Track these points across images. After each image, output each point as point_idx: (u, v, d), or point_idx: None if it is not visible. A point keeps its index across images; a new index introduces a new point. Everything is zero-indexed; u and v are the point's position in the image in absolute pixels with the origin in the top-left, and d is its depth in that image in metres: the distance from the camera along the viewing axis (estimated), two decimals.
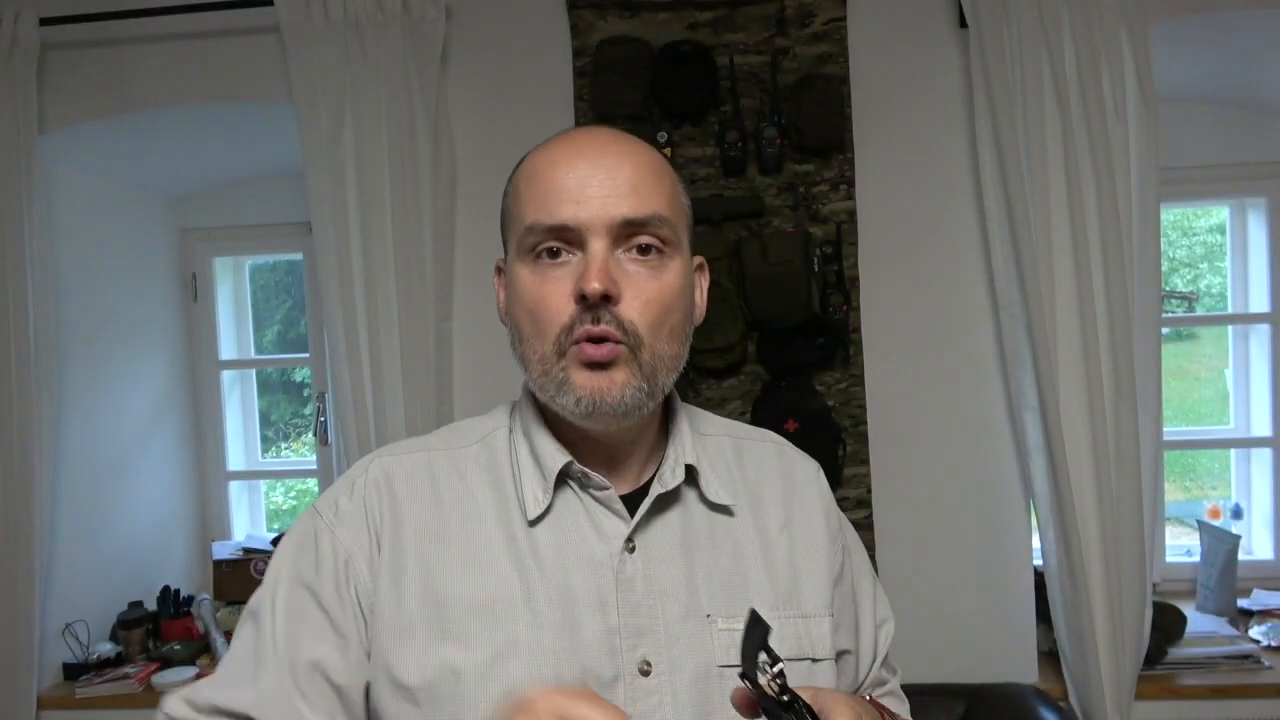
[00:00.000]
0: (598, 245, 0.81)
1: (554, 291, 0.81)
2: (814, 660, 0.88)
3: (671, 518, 0.88)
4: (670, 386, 0.87)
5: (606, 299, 0.79)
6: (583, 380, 0.81)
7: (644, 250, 0.82)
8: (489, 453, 0.91)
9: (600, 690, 0.80)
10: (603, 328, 0.80)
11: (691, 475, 0.89)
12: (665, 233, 0.83)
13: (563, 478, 0.87)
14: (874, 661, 1.00)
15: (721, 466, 0.93)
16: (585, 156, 0.83)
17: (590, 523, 0.86)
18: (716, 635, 0.84)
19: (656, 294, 0.82)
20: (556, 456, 0.86)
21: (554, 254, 0.82)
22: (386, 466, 0.89)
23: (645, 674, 0.82)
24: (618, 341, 0.80)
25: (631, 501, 0.87)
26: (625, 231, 0.81)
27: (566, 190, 0.81)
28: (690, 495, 0.90)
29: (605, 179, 0.82)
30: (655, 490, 0.87)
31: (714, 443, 0.95)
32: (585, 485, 0.86)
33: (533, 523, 0.85)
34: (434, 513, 0.86)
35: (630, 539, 0.85)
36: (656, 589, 0.84)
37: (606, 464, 0.88)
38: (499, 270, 0.91)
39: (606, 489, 0.86)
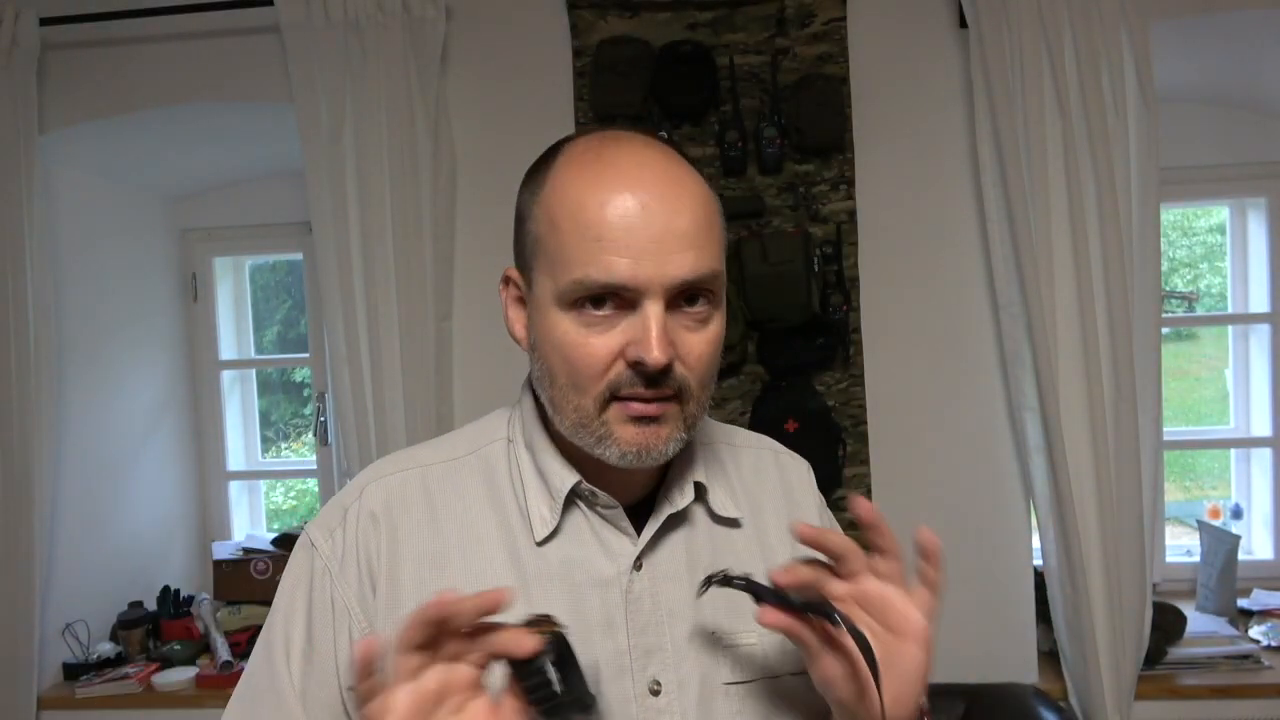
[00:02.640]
0: (654, 309, 0.75)
1: (600, 347, 0.76)
2: (803, 674, 0.86)
3: (677, 534, 0.86)
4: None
5: (666, 367, 0.75)
6: (630, 435, 0.78)
7: (691, 300, 0.78)
8: (486, 466, 0.87)
9: (611, 712, 0.79)
10: (657, 390, 0.77)
11: (698, 491, 0.87)
12: (716, 286, 0.79)
13: (572, 495, 0.84)
14: None
15: (727, 476, 0.92)
16: (639, 197, 0.75)
17: (598, 541, 0.84)
18: (723, 652, 0.84)
19: (706, 347, 0.79)
20: (565, 476, 0.83)
21: (601, 306, 0.76)
22: (381, 492, 0.86)
23: (655, 694, 0.81)
24: (670, 399, 0.78)
25: (637, 513, 0.85)
26: (680, 291, 0.76)
27: (619, 242, 0.74)
28: (697, 510, 0.88)
29: (662, 228, 0.75)
30: (665, 510, 0.85)
31: (715, 452, 0.94)
32: (593, 503, 0.84)
33: (540, 543, 0.83)
34: (431, 538, 0.83)
35: (638, 557, 0.84)
36: (664, 607, 0.83)
37: (617, 480, 0.84)
38: (506, 280, 0.86)
39: (614, 507, 0.84)
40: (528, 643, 0.66)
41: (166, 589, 2.64)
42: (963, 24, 2.09)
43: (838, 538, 0.76)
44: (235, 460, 2.97)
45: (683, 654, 0.82)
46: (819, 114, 2.12)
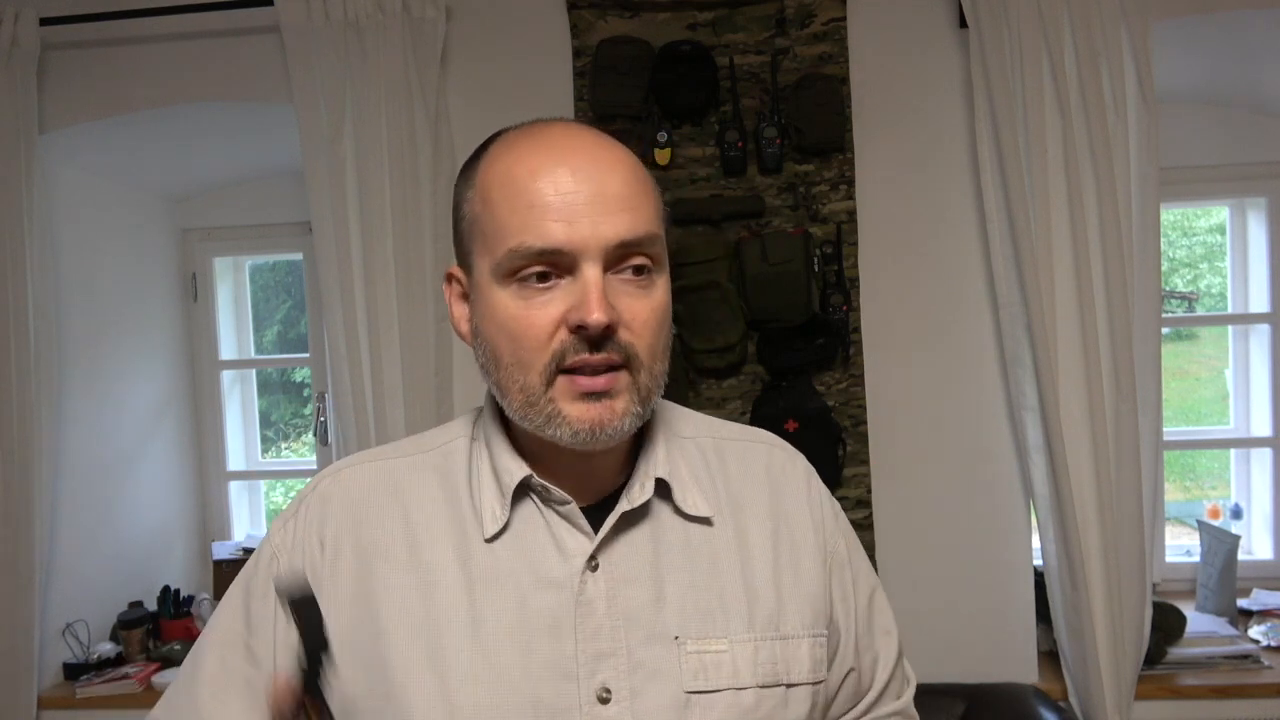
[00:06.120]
0: (592, 271, 0.74)
1: (541, 318, 0.75)
2: (789, 686, 0.83)
3: (641, 533, 0.83)
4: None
5: (608, 329, 0.74)
6: (579, 412, 0.76)
7: (637, 270, 0.77)
8: (446, 463, 0.87)
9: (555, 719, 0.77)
10: (604, 355, 0.75)
11: (663, 488, 0.84)
12: (656, 250, 0.79)
13: (525, 490, 0.82)
14: (887, 678, 0.95)
15: (701, 472, 0.88)
16: (570, 164, 0.76)
17: (552, 539, 0.81)
18: (685, 658, 0.80)
19: (651, 315, 0.78)
20: (514, 470, 0.82)
21: (542, 278, 0.76)
22: (339, 481, 0.87)
23: (604, 701, 0.78)
24: (618, 367, 0.76)
25: (602, 511, 0.82)
26: (618, 253, 0.76)
27: (553, 207, 0.74)
28: (663, 508, 0.84)
29: (595, 193, 0.75)
30: (621, 507, 0.81)
31: (693, 445, 0.90)
32: (547, 499, 0.82)
33: (490, 540, 0.81)
34: (383, 530, 0.83)
35: (593, 557, 0.80)
36: (620, 610, 0.80)
37: (577, 474, 0.82)
38: (450, 279, 0.85)
39: (568, 504, 0.81)
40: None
41: (166, 589, 2.64)
42: (963, 24, 2.09)
43: None
44: (235, 460, 2.97)
45: (639, 660, 0.79)
46: (819, 114, 2.12)
